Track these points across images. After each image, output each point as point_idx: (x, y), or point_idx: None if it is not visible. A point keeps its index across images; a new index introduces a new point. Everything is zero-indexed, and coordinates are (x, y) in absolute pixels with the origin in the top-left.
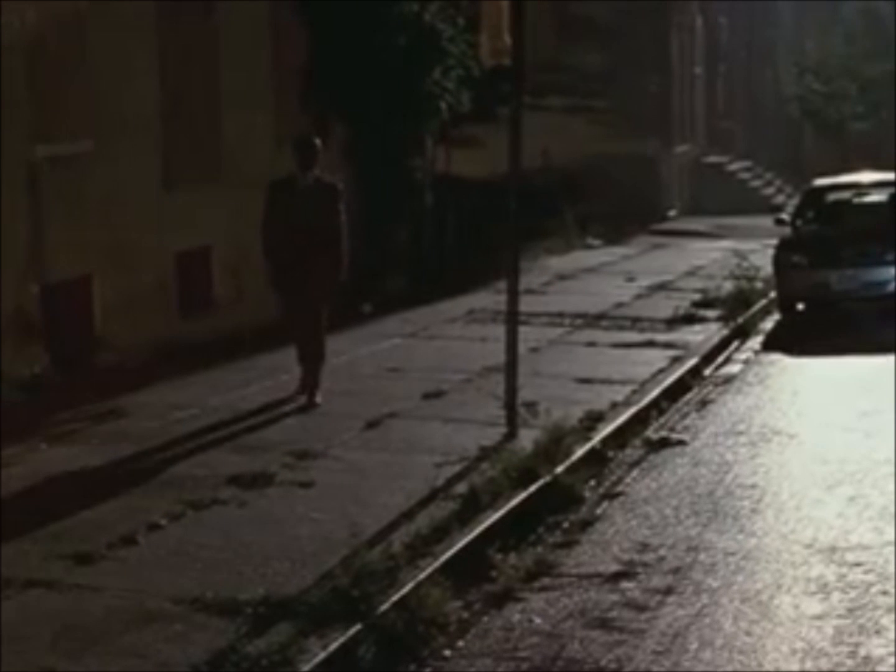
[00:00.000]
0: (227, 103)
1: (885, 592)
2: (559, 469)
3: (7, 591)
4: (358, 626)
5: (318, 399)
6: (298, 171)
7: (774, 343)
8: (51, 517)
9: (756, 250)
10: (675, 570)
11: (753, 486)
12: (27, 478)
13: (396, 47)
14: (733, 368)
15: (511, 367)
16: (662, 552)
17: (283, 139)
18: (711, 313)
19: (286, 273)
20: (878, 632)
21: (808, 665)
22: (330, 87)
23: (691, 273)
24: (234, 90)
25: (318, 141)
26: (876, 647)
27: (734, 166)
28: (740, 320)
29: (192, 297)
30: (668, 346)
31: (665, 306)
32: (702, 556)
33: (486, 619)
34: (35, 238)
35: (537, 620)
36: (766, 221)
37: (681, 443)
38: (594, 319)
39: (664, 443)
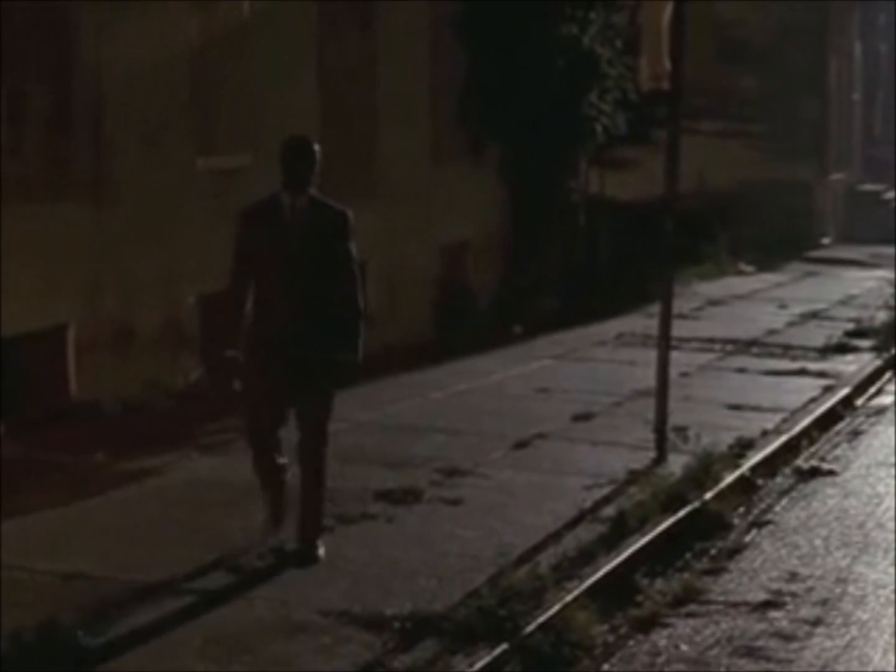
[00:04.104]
0: (384, 120)
1: None
2: (708, 495)
3: (160, 597)
4: (504, 646)
5: (321, 551)
6: (286, 191)
7: None
8: (202, 525)
9: None
10: (824, 602)
11: None
12: (179, 486)
13: (555, 69)
14: (886, 400)
15: (661, 390)
16: (811, 583)
17: (439, 157)
18: (864, 343)
19: (263, 356)
20: None
21: None
22: (486, 107)
23: (844, 302)
24: (392, 108)
25: (316, 146)
26: None
27: (890, 194)
28: (894, 351)
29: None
30: (819, 374)
31: (817, 335)
32: (851, 588)
33: (631, 643)
34: (193, 249)
35: (683, 647)
36: None
37: (831, 473)
38: (745, 346)
39: (814, 472)
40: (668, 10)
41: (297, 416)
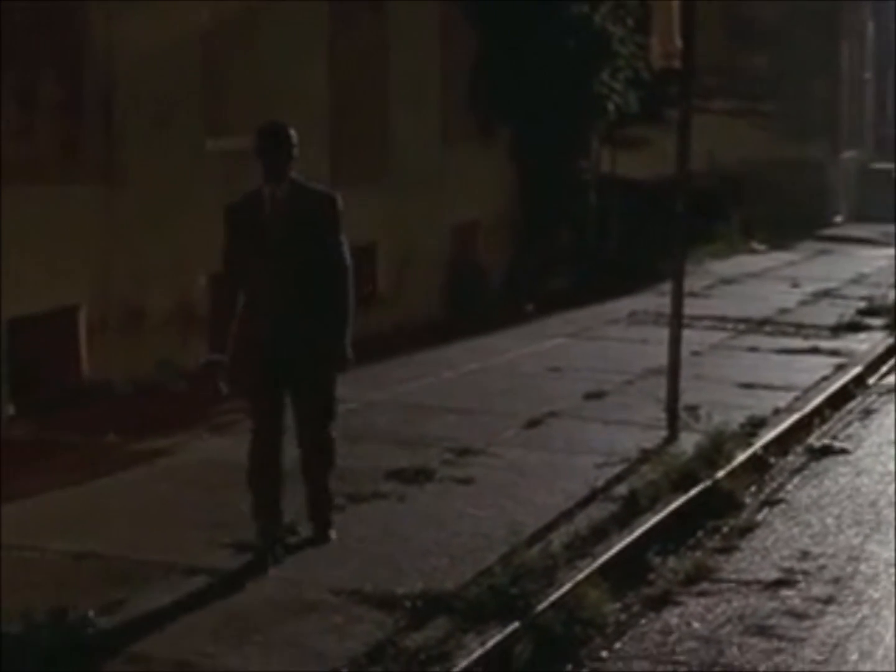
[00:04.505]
0: (395, 103)
1: None
2: (720, 474)
3: (172, 577)
4: (515, 624)
5: (333, 533)
6: (266, 182)
7: None
8: (213, 505)
9: None
10: (836, 580)
11: None
12: (190, 466)
13: (566, 48)
14: None
15: (673, 369)
16: (823, 561)
17: (450, 138)
18: (877, 322)
19: (254, 358)
20: None
21: None
22: (497, 87)
23: (857, 280)
24: (402, 90)
25: (292, 131)
26: None
27: None
28: None
29: (357, 291)
30: (832, 353)
31: (829, 313)
32: (863, 567)
33: (643, 621)
34: (203, 229)
35: (695, 625)
36: None
37: (843, 451)
38: (757, 324)
39: (826, 451)
40: None
41: (296, 408)
